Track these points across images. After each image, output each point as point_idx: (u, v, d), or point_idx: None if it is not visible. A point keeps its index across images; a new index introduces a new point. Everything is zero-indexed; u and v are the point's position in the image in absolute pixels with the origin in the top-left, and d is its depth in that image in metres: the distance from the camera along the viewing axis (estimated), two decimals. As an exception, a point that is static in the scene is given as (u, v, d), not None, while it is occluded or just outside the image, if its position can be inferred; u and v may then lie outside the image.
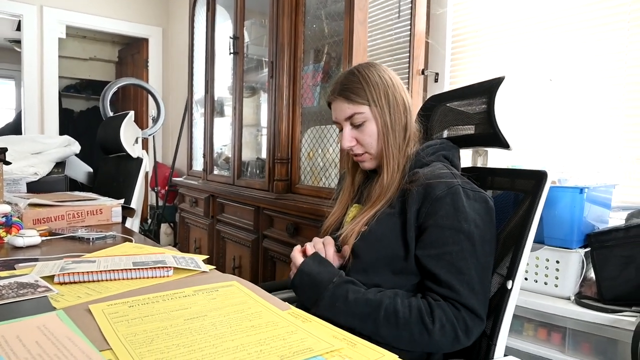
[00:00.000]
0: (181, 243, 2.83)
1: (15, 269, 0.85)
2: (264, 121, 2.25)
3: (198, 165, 2.79)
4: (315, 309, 0.82)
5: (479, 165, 1.14)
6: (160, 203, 3.48)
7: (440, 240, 0.82)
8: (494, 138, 0.95)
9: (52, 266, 0.83)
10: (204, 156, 2.55)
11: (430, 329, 0.77)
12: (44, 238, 1.13)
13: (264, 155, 2.17)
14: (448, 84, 1.82)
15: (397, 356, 0.51)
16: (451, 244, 0.81)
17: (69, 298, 0.69)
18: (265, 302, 0.69)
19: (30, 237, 1.08)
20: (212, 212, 2.36)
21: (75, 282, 0.77)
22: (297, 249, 0.93)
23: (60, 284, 0.76)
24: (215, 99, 2.52)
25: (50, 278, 0.78)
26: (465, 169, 1.02)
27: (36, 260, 0.93)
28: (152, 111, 3.37)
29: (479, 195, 0.86)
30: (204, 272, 0.85)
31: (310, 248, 0.92)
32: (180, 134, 3.47)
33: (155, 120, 2.51)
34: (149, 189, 3.61)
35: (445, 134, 1.10)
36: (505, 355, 0.83)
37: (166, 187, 3.45)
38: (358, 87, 0.93)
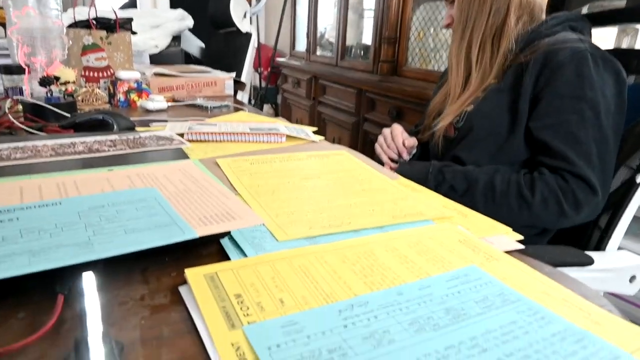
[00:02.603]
0: (283, 123, 2.95)
1: (150, 127, 0.96)
2: (367, 2, 2.10)
3: (301, 45, 2.76)
4: None
5: (624, 46, 0.98)
6: (263, 84, 3.58)
7: (558, 109, 0.75)
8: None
9: (181, 126, 0.91)
10: (307, 36, 2.50)
11: (530, 201, 0.74)
12: (169, 104, 1.24)
13: (367, 37, 2.07)
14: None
15: (510, 228, 0.51)
16: (570, 112, 0.74)
17: (198, 153, 0.77)
18: (375, 170, 0.70)
19: (158, 102, 1.19)
20: (313, 93, 2.39)
21: (201, 141, 0.85)
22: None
23: (189, 141, 0.85)
24: (321, -27, 2.39)
25: (179, 136, 0.86)
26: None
27: (166, 121, 1.03)
28: (256, -12, 3.31)
29: (610, 64, 0.76)
30: (313, 141, 0.89)
31: (380, 150, 1.03)
32: (282, 13, 3.40)
33: (259, -2, 2.47)
34: (252, 69, 3.70)
35: (585, 10, 0.95)
36: (618, 252, 0.79)
37: (269, 69, 3.52)
38: None
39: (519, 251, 0.46)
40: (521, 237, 0.48)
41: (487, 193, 0.77)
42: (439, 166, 0.85)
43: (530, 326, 0.33)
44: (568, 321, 0.34)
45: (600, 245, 0.79)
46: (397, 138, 1.00)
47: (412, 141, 1.00)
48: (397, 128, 1.02)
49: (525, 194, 0.74)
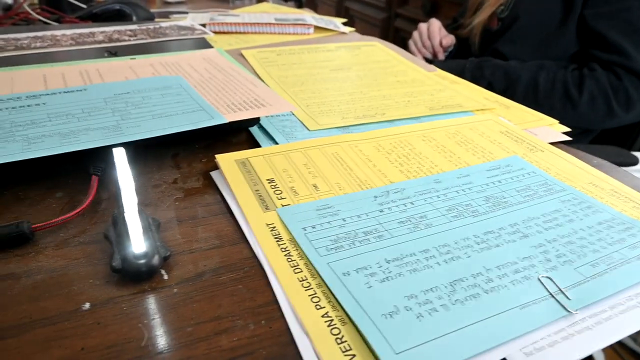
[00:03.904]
0: (307, 22, 2.79)
1: (170, 18, 0.91)
2: None
3: None
4: None
5: None
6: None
7: None
8: None
9: (202, 17, 0.86)
10: None
11: (576, 100, 0.69)
12: (188, -5, 1.16)
13: None
14: None
15: (556, 120, 0.47)
16: None
17: (222, 44, 0.73)
18: (409, 62, 0.66)
19: (177, -8, 1.12)
20: (340, -14, 2.21)
21: (224, 32, 0.81)
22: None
23: (212, 32, 0.80)
24: None
25: (201, 26, 0.82)
26: None
27: (186, 13, 0.98)
28: None
29: None
30: (343, 33, 0.83)
31: (415, 48, 0.96)
32: None
33: None
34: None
35: None
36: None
37: (292, -40, 3.24)
38: None
39: (565, 143, 0.43)
40: (567, 129, 0.45)
41: (528, 92, 0.72)
42: (477, 61, 0.79)
43: (575, 215, 0.32)
44: (616, 211, 0.32)
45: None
46: (434, 36, 0.92)
47: (450, 39, 0.92)
48: (435, 24, 0.93)
49: (572, 92, 0.69)
